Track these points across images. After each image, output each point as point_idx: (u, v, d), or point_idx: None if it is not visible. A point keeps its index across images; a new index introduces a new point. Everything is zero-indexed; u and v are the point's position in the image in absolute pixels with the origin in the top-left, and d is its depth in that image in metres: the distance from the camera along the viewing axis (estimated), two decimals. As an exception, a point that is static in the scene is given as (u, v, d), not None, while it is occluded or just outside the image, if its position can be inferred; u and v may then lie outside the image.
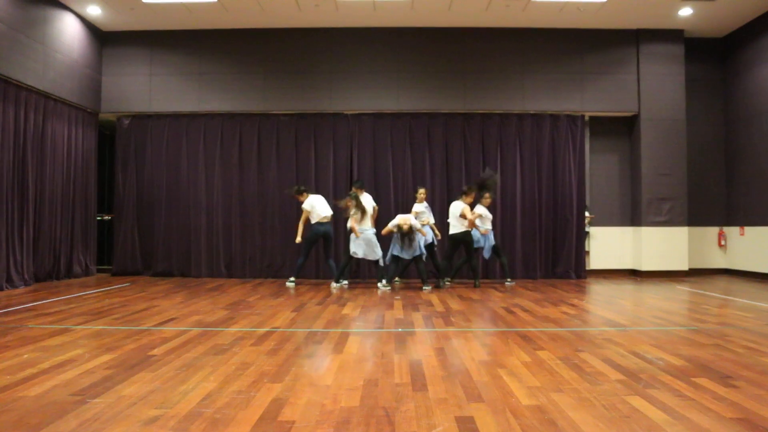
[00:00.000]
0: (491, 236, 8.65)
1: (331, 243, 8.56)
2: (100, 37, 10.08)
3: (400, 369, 3.63)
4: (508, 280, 8.85)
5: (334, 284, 8.34)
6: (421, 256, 8.07)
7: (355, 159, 9.97)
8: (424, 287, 7.97)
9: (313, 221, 8.29)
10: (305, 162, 10.00)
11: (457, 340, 4.54)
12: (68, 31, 9.17)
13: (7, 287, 7.63)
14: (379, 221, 8.59)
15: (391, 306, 6.42)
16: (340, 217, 9.24)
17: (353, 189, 8.54)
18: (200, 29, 10.05)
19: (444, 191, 9.85)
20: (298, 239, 8.35)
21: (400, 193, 9.91)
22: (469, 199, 8.21)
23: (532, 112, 10.03)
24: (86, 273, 9.69)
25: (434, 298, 7.11)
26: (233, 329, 4.97)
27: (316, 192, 9.23)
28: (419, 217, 8.28)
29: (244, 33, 10.08)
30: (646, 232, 9.88)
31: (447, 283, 8.55)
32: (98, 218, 10.44)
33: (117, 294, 7.42)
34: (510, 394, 3.12)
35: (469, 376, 3.46)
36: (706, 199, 10.46)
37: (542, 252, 9.90)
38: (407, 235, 7.81)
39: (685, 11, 9.31)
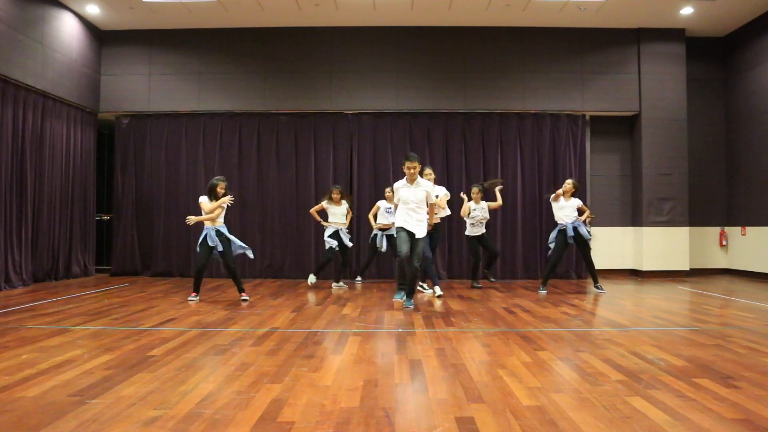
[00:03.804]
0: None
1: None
2: (99, 36, 10.06)
3: (400, 369, 3.62)
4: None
5: (357, 279, 8.99)
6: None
7: (355, 158, 9.96)
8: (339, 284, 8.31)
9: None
10: (305, 161, 9.99)
11: (458, 341, 4.52)
12: (67, 30, 9.15)
13: (5, 287, 7.61)
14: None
15: (391, 306, 6.40)
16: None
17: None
18: (200, 28, 10.03)
19: (444, 191, 9.84)
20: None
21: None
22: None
23: (532, 111, 10.02)
24: (85, 273, 9.68)
25: (433, 299, 7.09)
26: (233, 329, 4.95)
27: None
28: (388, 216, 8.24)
29: (244, 32, 10.07)
30: (647, 232, 9.86)
31: (492, 279, 8.53)
32: (97, 218, 10.43)
33: (116, 294, 7.41)
34: (510, 394, 3.10)
35: (470, 377, 3.45)
36: (707, 198, 10.45)
37: (543, 252, 9.87)
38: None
39: (686, 10, 9.29)
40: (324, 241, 8.19)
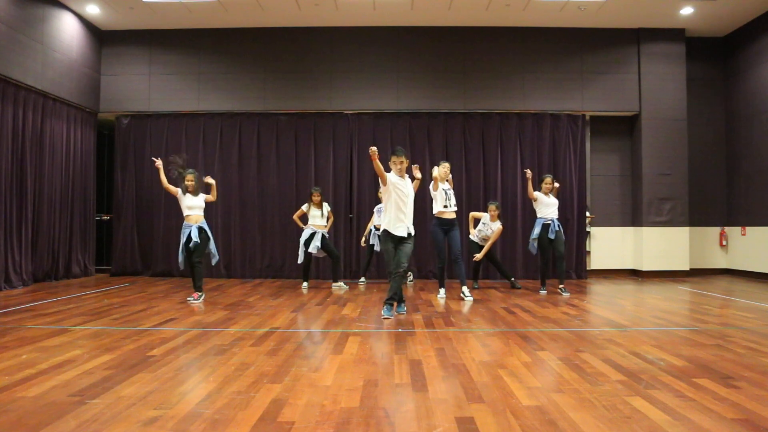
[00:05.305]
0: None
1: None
2: (99, 36, 10.07)
3: (400, 369, 3.62)
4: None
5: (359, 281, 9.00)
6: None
7: (355, 158, 9.96)
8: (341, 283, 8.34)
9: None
10: (305, 161, 9.99)
11: (457, 341, 4.52)
12: (67, 30, 9.15)
13: (5, 287, 7.62)
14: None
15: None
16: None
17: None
18: (200, 28, 10.04)
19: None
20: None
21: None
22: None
23: (532, 111, 10.02)
24: (85, 273, 9.68)
25: (434, 299, 7.09)
26: (233, 330, 4.95)
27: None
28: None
29: (244, 32, 10.07)
30: (647, 232, 9.86)
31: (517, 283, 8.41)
32: (97, 218, 10.43)
33: (116, 294, 7.41)
34: (510, 394, 3.10)
35: (470, 377, 3.44)
36: (707, 198, 10.45)
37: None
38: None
39: (686, 10, 9.29)
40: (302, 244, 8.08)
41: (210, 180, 7.03)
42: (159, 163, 6.88)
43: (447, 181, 7.07)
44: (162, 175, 6.86)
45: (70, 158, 9.38)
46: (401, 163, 5.69)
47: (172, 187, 6.85)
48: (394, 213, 5.66)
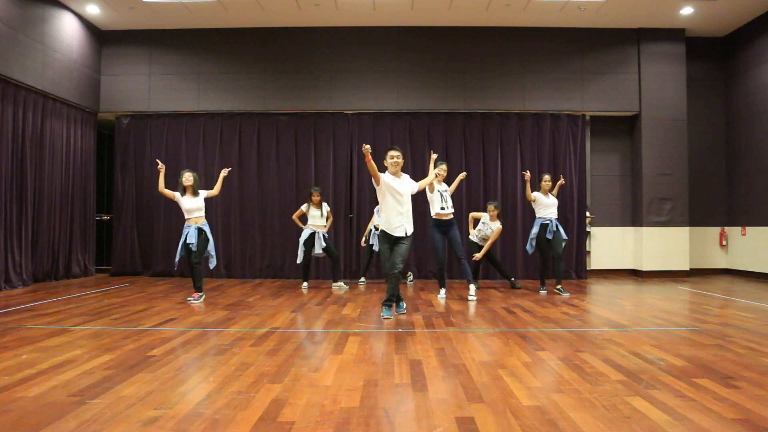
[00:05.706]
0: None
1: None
2: (99, 36, 10.07)
3: (400, 369, 3.62)
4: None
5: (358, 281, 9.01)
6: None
7: (355, 158, 9.96)
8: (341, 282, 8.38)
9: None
10: (305, 161, 9.99)
11: (458, 341, 4.52)
12: (67, 30, 9.15)
13: (5, 287, 7.62)
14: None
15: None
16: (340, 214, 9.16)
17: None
18: (200, 28, 10.04)
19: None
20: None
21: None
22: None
23: (532, 111, 10.02)
24: (85, 273, 9.68)
25: (434, 299, 7.09)
26: (233, 330, 4.95)
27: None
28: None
29: (244, 32, 10.07)
30: (647, 232, 9.86)
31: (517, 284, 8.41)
32: (97, 218, 10.43)
33: (116, 294, 7.41)
34: (510, 394, 3.10)
35: (470, 377, 3.44)
36: (707, 198, 10.45)
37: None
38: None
39: (686, 10, 9.30)
40: (301, 244, 8.05)
41: (224, 172, 7.12)
42: (162, 167, 6.82)
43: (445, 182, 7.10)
44: (161, 178, 6.78)
45: (70, 158, 9.38)
46: (398, 158, 5.61)
47: (168, 192, 6.79)
48: (391, 213, 5.59)
